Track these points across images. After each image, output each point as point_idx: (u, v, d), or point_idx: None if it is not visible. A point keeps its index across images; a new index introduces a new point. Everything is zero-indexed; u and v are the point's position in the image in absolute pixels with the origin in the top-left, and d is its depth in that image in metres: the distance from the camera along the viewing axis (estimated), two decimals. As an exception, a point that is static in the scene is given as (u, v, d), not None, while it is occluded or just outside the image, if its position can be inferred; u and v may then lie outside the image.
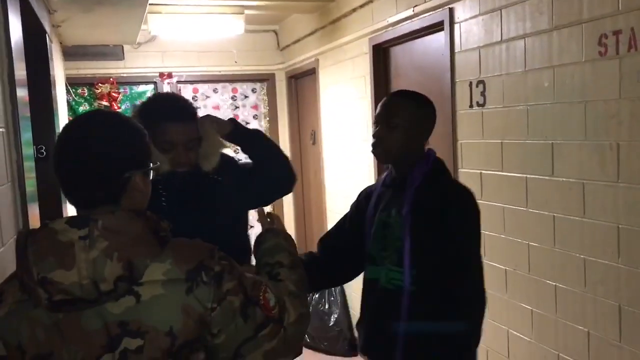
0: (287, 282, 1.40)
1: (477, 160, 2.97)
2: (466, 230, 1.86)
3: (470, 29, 2.95)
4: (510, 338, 2.82)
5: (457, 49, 3.07)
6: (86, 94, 5.52)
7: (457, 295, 1.81)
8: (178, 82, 5.81)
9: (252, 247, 1.63)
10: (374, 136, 1.92)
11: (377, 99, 3.94)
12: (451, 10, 3.08)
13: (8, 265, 1.64)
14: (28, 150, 2.19)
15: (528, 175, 2.62)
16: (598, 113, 2.24)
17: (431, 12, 3.26)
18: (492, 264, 2.82)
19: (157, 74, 5.70)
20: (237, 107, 6.13)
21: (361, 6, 4.08)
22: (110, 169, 1.20)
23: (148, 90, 5.71)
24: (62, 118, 4.27)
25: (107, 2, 3.32)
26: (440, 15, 3.16)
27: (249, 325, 1.23)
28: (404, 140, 1.88)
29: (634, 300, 2.15)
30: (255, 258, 1.59)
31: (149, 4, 3.63)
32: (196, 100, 5.95)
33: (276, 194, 2.29)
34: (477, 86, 2.91)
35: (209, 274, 1.18)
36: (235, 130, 2.11)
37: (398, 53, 3.88)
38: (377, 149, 1.92)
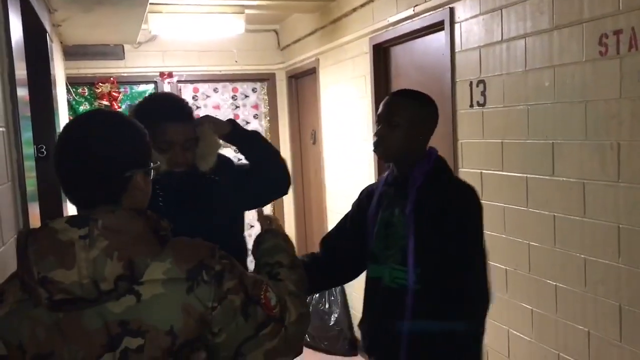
0: (287, 282, 1.41)
1: (477, 160, 2.97)
2: (468, 229, 1.86)
3: (470, 28, 2.95)
4: (511, 338, 2.83)
5: (457, 48, 3.07)
6: (86, 94, 5.52)
7: (460, 294, 1.81)
8: (178, 81, 5.81)
9: (251, 247, 1.63)
10: (375, 135, 1.93)
11: (377, 98, 3.95)
12: (451, 10, 3.08)
13: (9, 264, 1.65)
14: (28, 149, 2.19)
15: (528, 175, 2.62)
16: (599, 113, 2.24)
17: (431, 12, 3.26)
18: (493, 264, 2.81)
19: (158, 74, 5.71)
20: (237, 107, 6.13)
21: (362, 6, 4.08)
22: (111, 168, 1.20)
23: (148, 89, 5.71)
24: (63, 118, 4.27)
25: (107, 2, 3.32)
26: (441, 14, 3.16)
27: (250, 324, 1.23)
28: (405, 139, 1.88)
29: (635, 300, 2.15)
30: (254, 258, 1.60)
31: (150, 4, 3.63)
32: (197, 100, 5.96)
33: (271, 196, 2.31)
34: (477, 86, 2.91)
35: (209, 273, 1.18)
36: (234, 131, 2.12)
37: (398, 53, 3.87)
38: (378, 147, 1.92)
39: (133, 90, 5.69)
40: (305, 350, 4.58)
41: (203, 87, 6.00)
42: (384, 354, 1.96)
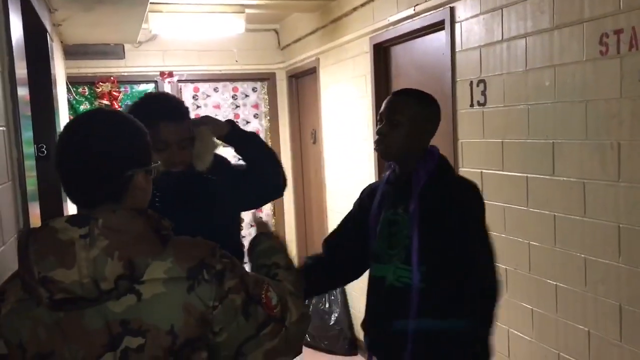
0: (286, 283, 1.41)
1: (477, 159, 2.97)
2: (471, 227, 1.86)
3: (471, 28, 2.95)
4: (511, 337, 2.82)
5: (457, 48, 3.07)
6: (87, 93, 5.52)
7: (463, 292, 1.81)
8: (179, 81, 5.81)
9: (246, 249, 1.64)
10: (377, 133, 1.93)
11: (377, 98, 3.94)
12: (452, 10, 3.08)
13: (9, 264, 1.65)
14: (29, 149, 2.19)
15: (529, 175, 2.62)
16: (599, 112, 2.24)
17: (432, 11, 3.26)
18: (493, 263, 2.82)
19: (158, 73, 5.70)
20: (237, 106, 6.12)
21: (362, 5, 4.07)
22: (112, 167, 1.20)
23: (149, 89, 5.70)
24: (63, 117, 4.27)
25: (107, 1, 3.32)
26: (441, 14, 3.16)
27: (251, 324, 1.23)
28: (406, 138, 1.88)
29: (635, 300, 2.15)
30: (249, 260, 1.60)
31: (150, 3, 3.63)
32: (197, 100, 5.96)
33: (267, 197, 2.33)
34: (477, 85, 2.91)
35: (210, 272, 1.18)
36: (232, 132, 2.13)
37: (399, 52, 3.87)
38: (379, 145, 1.92)
39: (133, 90, 5.69)
40: (305, 349, 4.58)
41: (203, 87, 6.00)
42: (388, 354, 1.95)
